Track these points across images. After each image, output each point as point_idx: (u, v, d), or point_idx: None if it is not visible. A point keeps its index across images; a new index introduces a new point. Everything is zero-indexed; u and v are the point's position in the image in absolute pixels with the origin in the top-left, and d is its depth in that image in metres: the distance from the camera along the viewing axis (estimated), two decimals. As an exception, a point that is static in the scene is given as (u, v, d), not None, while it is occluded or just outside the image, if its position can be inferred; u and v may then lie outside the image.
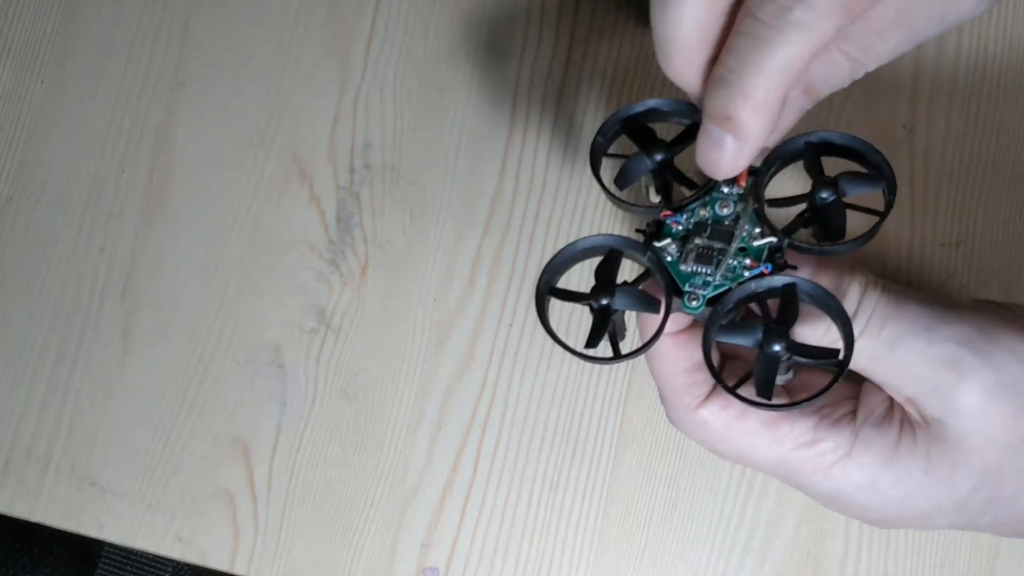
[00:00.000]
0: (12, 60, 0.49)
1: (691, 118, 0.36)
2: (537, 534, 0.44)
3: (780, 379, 0.35)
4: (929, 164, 0.44)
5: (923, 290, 0.37)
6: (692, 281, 0.34)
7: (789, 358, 0.32)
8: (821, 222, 0.34)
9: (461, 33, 0.47)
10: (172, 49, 0.48)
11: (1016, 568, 0.42)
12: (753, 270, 0.33)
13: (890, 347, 0.34)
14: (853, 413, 0.36)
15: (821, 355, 0.32)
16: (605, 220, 0.45)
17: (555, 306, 0.44)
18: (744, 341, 0.32)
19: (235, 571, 0.45)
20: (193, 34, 0.48)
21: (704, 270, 0.34)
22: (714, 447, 0.37)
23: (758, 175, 0.34)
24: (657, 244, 0.34)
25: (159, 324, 0.47)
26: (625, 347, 0.35)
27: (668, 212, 0.35)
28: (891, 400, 0.35)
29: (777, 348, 0.31)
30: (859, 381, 0.36)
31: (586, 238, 0.35)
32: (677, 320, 0.35)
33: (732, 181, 0.35)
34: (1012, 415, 0.33)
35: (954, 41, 0.44)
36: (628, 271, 0.37)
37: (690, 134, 0.35)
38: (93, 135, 0.48)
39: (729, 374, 0.37)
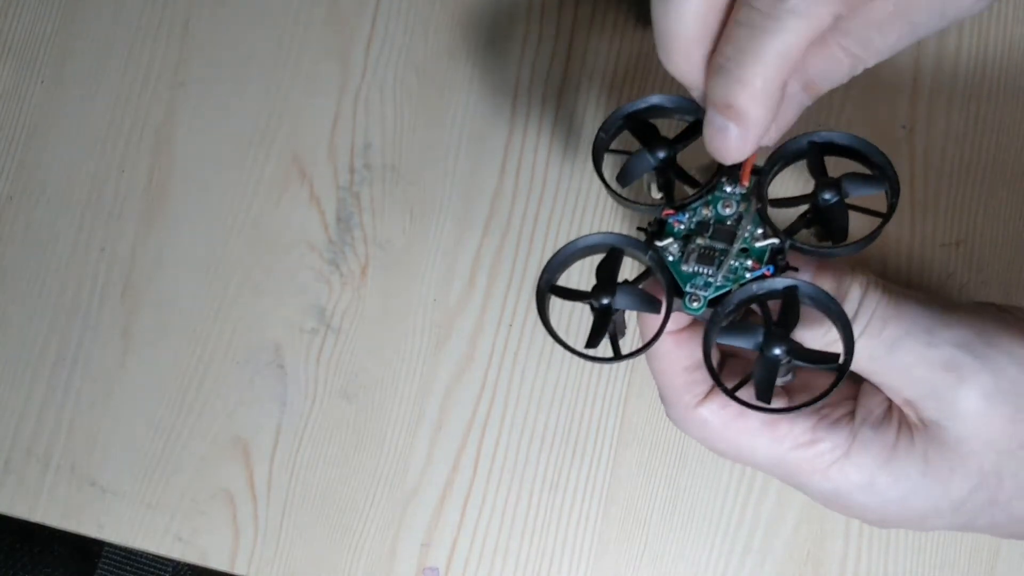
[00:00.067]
0: (12, 60, 0.49)
1: (694, 114, 0.35)
2: (537, 534, 0.44)
3: (780, 380, 0.35)
4: (929, 164, 0.44)
5: (923, 291, 0.37)
6: (693, 282, 0.34)
7: (789, 361, 0.31)
8: (823, 223, 0.34)
9: (461, 33, 0.47)
10: (172, 49, 0.48)
11: (1016, 568, 0.42)
12: (755, 272, 0.33)
13: (890, 349, 0.33)
14: (852, 414, 0.36)
15: (821, 360, 0.32)
16: (605, 220, 0.45)
17: (555, 306, 0.44)
18: (745, 343, 0.32)
19: (235, 571, 0.45)
20: (193, 34, 0.48)
21: (706, 271, 0.33)
22: (713, 446, 0.37)
23: (761, 174, 0.34)
24: (659, 243, 0.34)
25: (159, 324, 0.46)
26: (625, 346, 0.34)
27: (670, 211, 0.35)
28: (890, 401, 0.35)
29: (777, 352, 0.31)
30: (858, 382, 0.36)
31: (587, 236, 0.34)
32: (677, 319, 0.35)
33: (735, 181, 0.34)
34: (1010, 419, 0.33)
35: (954, 41, 0.44)
36: (628, 270, 0.37)
37: (693, 131, 0.35)
38: (93, 135, 0.48)
39: (729, 372, 0.37)
